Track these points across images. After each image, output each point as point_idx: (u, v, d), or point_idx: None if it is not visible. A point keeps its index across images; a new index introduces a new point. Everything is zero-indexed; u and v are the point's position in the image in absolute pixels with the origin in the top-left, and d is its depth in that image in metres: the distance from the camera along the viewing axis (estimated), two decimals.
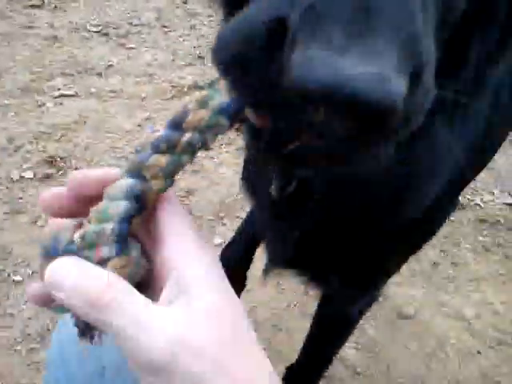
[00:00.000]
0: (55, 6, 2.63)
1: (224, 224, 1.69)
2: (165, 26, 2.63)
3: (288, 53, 0.27)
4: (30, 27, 2.46)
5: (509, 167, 2.08)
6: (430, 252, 1.65)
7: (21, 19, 2.50)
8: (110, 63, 2.31)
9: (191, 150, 0.36)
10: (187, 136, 0.35)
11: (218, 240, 1.63)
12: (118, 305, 0.31)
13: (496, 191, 1.98)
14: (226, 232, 1.66)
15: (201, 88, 0.36)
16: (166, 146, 0.35)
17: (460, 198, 1.92)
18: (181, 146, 0.35)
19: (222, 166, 1.89)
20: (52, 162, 1.80)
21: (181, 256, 0.35)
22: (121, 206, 0.35)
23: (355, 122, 0.27)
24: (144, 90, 2.18)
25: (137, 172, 0.36)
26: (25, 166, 1.78)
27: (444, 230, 1.78)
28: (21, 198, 1.67)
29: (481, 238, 1.79)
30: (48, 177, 1.75)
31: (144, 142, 0.36)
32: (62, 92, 2.12)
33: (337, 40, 0.25)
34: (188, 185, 1.79)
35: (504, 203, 1.93)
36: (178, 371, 0.30)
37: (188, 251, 0.35)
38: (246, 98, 0.33)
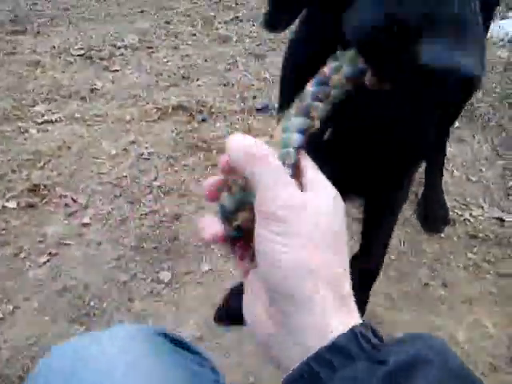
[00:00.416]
0: (38, 32, 2.62)
1: (212, 249, 1.66)
2: (148, 48, 2.62)
3: (416, 44, 0.46)
4: (12, 53, 2.44)
5: (497, 179, 2.07)
6: (419, 272, 1.63)
7: (3, 45, 2.48)
8: (94, 87, 2.30)
9: (334, 100, 0.50)
10: (333, 90, 0.50)
11: (205, 267, 1.60)
12: (268, 163, 0.44)
13: (485, 205, 1.96)
14: (215, 258, 1.64)
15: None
16: (323, 96, 0.50)
17: (449, 212, 1.91)
18: (331, 96, 0.50)
19: None
20: (36, 190, 1.78)
21: (317, 181, 0.46)
22: (296, 138, 0.48)
23: (455, 85, 0.48)
24: (129, 113, 2.17)
25: (306, 113, 0.49)
26: (8, 196, 1.75)
27: (433, 247, 1.77)
28: (4, 229, 1.64)
29: (471, 256, 1.77)
30: (32, 206, 1.73)
31: (301, 94, 0.50)
32: (45, 118, 2.10)
33: (449, 43, 0.45)
34: (174, 209, 1.77)
35: (493, 217, 1.92)
36: (292, 224, 0.41)
37: (323, 180, 0.47)
38: (377, 67, 0.50)
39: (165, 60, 2.55)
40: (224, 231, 0.48)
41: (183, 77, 2.44)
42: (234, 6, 3.05)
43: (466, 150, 2.18)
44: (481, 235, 1.83)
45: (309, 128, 0.49)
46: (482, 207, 1.96)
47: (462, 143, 2.21)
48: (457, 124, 2.28)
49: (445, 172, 2.08)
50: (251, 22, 2.91)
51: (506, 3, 2.97)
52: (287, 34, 2.62)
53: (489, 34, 2.78)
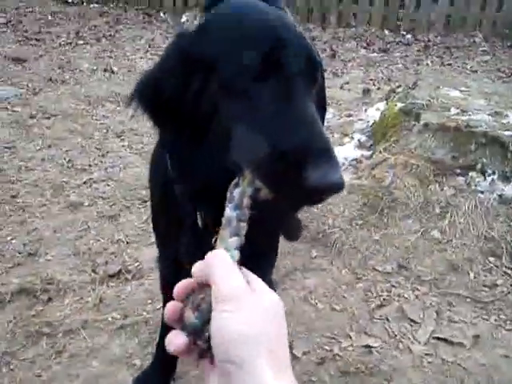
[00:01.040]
0: None
1: None
2: None
3: (306, 169, 0.72)
4: None
5: (360, 304, 2.07)
6: None
7: None
8: None
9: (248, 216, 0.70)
10: (247, 210, 0.69)
11: None
12: (224, 259, 0.60)
13: (352, 334, 1.93)
14: None
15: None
16: (243, 217, 0.68)
17: (318, 350, 1.84)
18: (247, 215, 0.69)
19: None
20: None
21: (260, 284, 0.61)
22: (236, 253, 0.64)
23: (331, 194, 0.77)
24: None
25: (237, 233, 0.66)
26: None
27: None
28: None
29: None
30: None
31: (226, 218, 0.69)
32: None
33: (328, 167, 0.73)
34: None
35: (362, 346, 1.88)
36: (240, 307, 0.54)
37: (263, 285, 0.61)
38: (276, 188, 0.75)
39: (8, 238, 2.37)
40: (192, 344, 0.58)
41: (29, 254, 2.27)
42: (87, 168, 3.02)
43: (326, 279, 2.18)
44: (352, 369, 1.77)
45: (241, 243, 0.65)
46: (350, 337, 1.92)
47: (321, 272, 2.22)
48: (314, 254, 2.32)
49: (308, 306, 2.05)
50: (105, 183, 2.88)
51: (341, 132, 3.27)
52: (139, 191, 2.54)
53: None
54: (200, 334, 0.57)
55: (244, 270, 0.62)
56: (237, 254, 0.63)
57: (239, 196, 0.70)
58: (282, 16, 0.91)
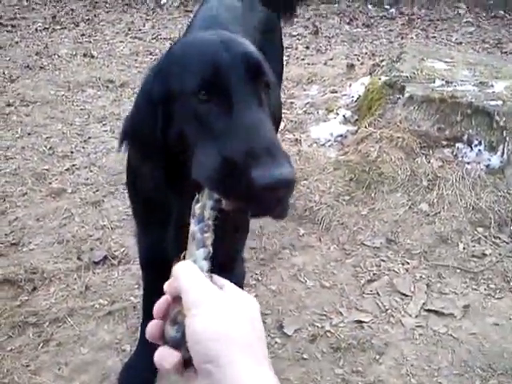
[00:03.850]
0: None
1: None
2: None
3: (251, 171, 0.78)
4: None
5: (350, 279, 2.06)
6: None
7: None
8: None
9: (212, 227, 0.72)
10: (209, 221, 0.73)
11: None
12: (185, 275, 0.62)
13: (343, 310, 1.91)
14: None
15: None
16: (207, 228, 0.71)
17: (309, 328, 1.83)
18: (211, 226, 0.72)
19: None
20: None
21: (231, 287, 0.65)
22: (204, 263, 0.67)
23: (283, 191, 0.81)
24: None
25: (203, 244, 0.69)
26: None
27: (298, 372, 1.65)
28: None
29: (339, 370, 1.67)
30: None
31: (191, 232, 0.72)
32: None
33: (270, 163, 0.79)
34: None
35: (354, 321, 1.86)
36: (209, 309, 0.57)
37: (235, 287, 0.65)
38: (230, 196, 0.80)
39: None
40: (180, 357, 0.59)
41: (12, 244, 2.22)
42: (68, 154, 2.96)
43: (315, 256, 2.16)
44: (344, 345, 1.76)
45: (208, 254, 0.68)
46: (341, 313, 1.91)
47: (309, 250, 2.19)
48: (301, 232, 2.30)
49: (298, 284, 2.04)
50: (88, 169, 2.82)
51: (326, 108, 3.23)
52: (123, 176, 2.49)
53: (315, 136, 2.95)
54: (181, 345, 0.60)
55: (215, 277, 0.65)
56: (205, 264, 0.66)
57: (200, 210, 0.74)
58: (226, 39, 1.00)
